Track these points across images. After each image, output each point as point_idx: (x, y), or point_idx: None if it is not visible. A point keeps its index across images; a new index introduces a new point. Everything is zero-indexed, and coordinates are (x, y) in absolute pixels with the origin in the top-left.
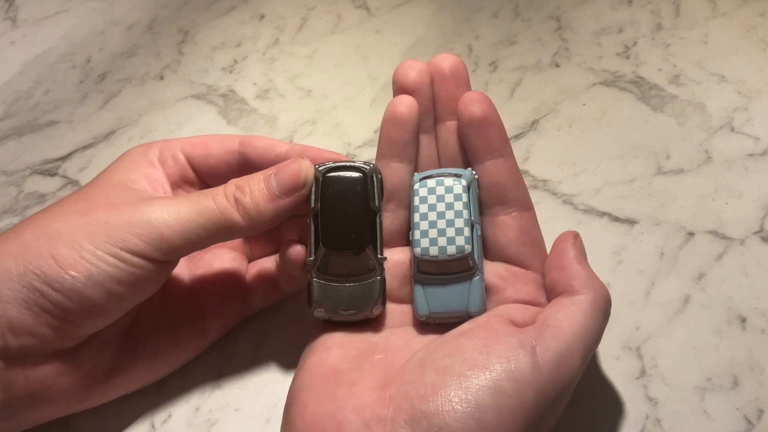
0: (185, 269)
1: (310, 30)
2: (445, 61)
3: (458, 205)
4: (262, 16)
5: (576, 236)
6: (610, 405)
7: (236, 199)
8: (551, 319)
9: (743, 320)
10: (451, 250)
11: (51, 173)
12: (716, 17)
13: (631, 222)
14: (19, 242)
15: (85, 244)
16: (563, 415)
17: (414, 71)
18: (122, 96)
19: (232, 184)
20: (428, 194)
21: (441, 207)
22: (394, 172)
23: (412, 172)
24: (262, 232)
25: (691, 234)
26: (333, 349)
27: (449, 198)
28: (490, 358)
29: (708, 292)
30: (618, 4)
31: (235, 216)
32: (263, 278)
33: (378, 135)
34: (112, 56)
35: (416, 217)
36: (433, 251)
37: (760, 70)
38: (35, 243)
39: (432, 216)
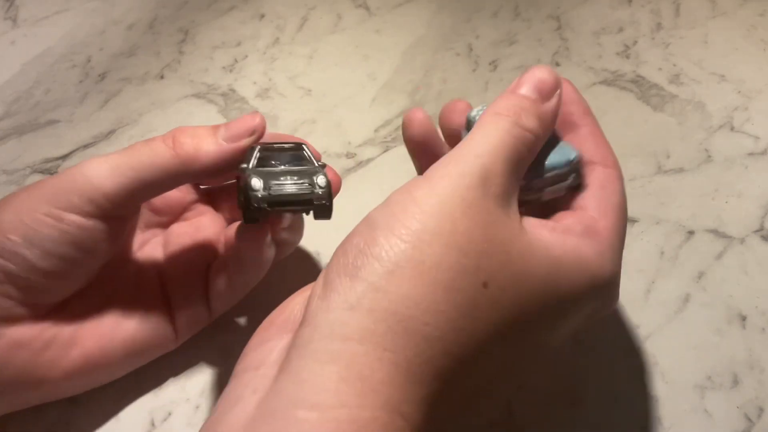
0: (159, 253)
1: (310, 29)
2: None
3: None
4: (262, 16)
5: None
6: (611, 403)
7: (174, 138)
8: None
9: (743, 319)
10: None
11: (51, 172)
12: (716, 17)
13: (631, 221)
14: None
15: (25, 208)
16: (563, 413)
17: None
18: (122, 95)
19: (175, 129)
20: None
21: None
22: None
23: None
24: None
25: (691, 233)
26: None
27: None
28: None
29: (708, 291)
30: (618, 3)
31: (169, 154)
32: (223, 263)
33: (378, 134)
34: (112, 56)
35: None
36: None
37: (760, 70)
38: None
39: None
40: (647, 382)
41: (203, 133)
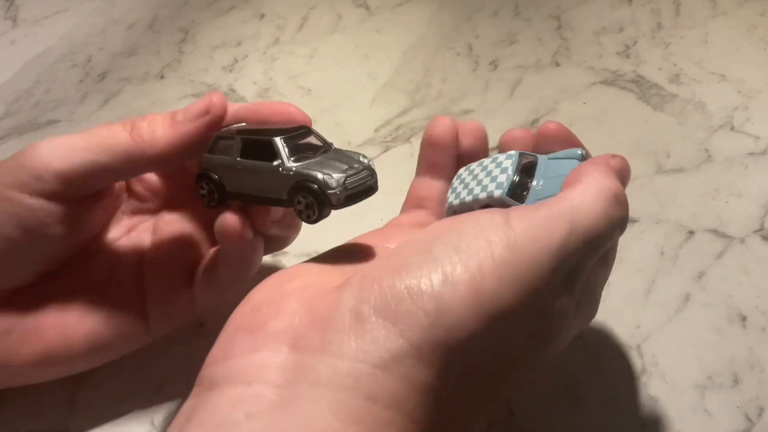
0: (146, 241)
1: (311, 29)
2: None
3: (506, 163)
4: (263, 16)
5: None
6: (611, 403)
7: (133, 124)
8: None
9: (743, 318)
10: (491, 187)
11: None
12: (716, 16)
13: (631, 221)
14: None
15: None
16: (562, 413)
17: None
18: (122, 95)
19: (136, 117)
20: (478, 165)
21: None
22: (427, 185)
23: (446, 188)
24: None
25: (691, 233)
26: (313, 263)
27: (493, 167)
28: (457, 225)
29: (708, 291)
30: (618, 3)
31: (125, 138)
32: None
33: (378, 134)
34: (112, 55)
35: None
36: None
37: (760, 69)
38: None
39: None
40: (647, 382)
41: (160, 118)
